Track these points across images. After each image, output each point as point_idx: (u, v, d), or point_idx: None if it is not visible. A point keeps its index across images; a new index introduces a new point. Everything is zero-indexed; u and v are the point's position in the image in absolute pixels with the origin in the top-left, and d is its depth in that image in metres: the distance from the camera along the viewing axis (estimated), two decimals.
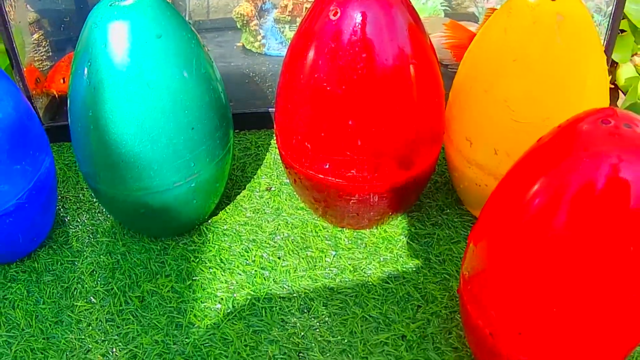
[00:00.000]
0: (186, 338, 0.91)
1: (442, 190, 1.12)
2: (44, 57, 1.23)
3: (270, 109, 1.25)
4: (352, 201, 0.95)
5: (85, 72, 0.87)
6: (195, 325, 0.93)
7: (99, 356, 0.89)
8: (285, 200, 1.12)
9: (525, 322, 0.67)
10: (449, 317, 0.91)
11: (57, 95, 1.27)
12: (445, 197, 1.10)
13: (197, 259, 1.02)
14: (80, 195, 1.14)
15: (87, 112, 0.89)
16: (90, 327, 0.93)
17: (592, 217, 0.58)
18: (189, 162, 0.94)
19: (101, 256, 1.03)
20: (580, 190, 0.58)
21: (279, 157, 1.18)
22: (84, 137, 0.93)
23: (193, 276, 1.00)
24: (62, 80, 1.24)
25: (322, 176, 0.94)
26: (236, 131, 1.03)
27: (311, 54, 0.87)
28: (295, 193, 1.11)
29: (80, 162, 0.99)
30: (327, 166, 0.90)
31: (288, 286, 0.96)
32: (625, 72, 1.24)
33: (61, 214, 1.11)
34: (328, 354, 0.87)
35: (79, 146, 0.96)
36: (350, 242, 1.03)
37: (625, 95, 1.23)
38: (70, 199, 1.14)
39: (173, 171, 0.94)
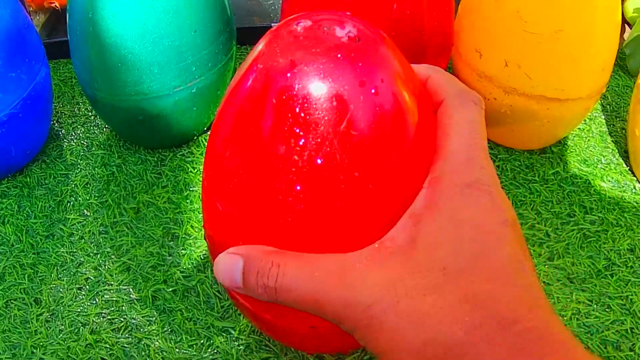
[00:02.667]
0: (182, 249, 0.79)
1: None
2: None
3: (273, 24, 1.11)
4: None
5: None
6: (192, 237, 0.81)
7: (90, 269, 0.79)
8: None
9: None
10: None
11: (59, 7, 1.14)
12: None
13: (195, 170, 0.90)
14: (76, 109, 1.01)
15: (86, 15, 0.77)
16: (83, 240, 0.81)
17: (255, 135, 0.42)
18: (190, 66, 0.82)
19: (96, 169, 0.91)
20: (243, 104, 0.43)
21: None
22: (83, 42, 0.81)
23: (190, 187, 0.88)
24: None
25: None
26: (237, 46, 0.93)
27: None
28: None
29: (78, 69, 0.86)
30: None
31: None
32: (632, 4, 1.13)
33: (55, 129, 0.98)
34: None
35: (77, 52, 0.84)
36: None
37: (631, 28, 1.13)
38: (65, 114, 1.01)
39: (174, 75, 0.81)
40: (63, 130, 0.97)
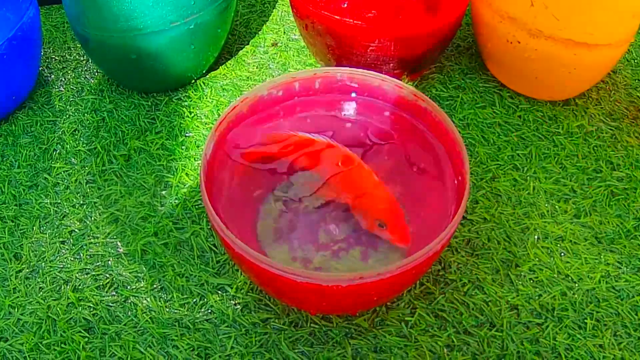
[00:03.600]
0: (175, 199, 0.68)
1: (465, 54, 0.87)
2: None
3: None
4: (370, 48, 0.73)
5: None
6: (187, 185, 0.69)
7: (75, 221, 0.69)
8: (293, 55, 0.86)
9: None
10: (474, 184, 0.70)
11: None
12: (468, 62, 0.86)
13: (192, 115, 0.78)
14: (67, 54, 0.89)
15: None
16: (68, 190, 0.70)
17: None
18: (188, 0, 0.71)
19: (85, 114, 0.79)
20: None
21: (286, 13, 0.94)
22: None
23: (186, 132, 0.76)
24: None
25: (338, 17, 0.70)
26: None
27: None
28: (304, 48, 0.87)
29: (67, 6, 0.74)
30: (345, 5, 0.69)
31: None
32: None
33: (45, 74, 0.86)
34: None
35: None
36: None
37: None
38: (56, 59, 0.89)
39: (170, 9, 0.70)
40: (52, 76, 0.86)
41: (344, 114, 0.64)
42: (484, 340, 0.57)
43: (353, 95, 0.63)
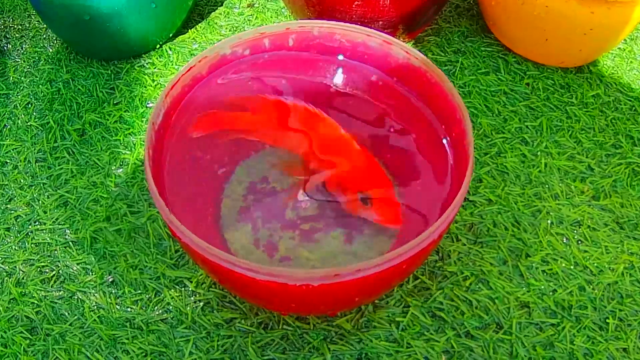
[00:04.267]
0: (132, 178, 0.58)
1: (466, 15, 0.77)
2: None
3: None
4: (355, 3, 0.62)
5: None
6: None
7: (22, 205, 0.59)
8: (271, 17, 0.76)
9: None
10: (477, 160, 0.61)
11: None
12: (469, 23, 0.76)
13: (156, 83, 0.68)
14: (27, 23, 0.79)
15: None
16: (16, 170, 0.61)
17: None
18: None
19: (40, 86, 0.69)
20: None
21: None
22: None
23: (148, 102, 0.66)
24: None
25: None
26: None
27: None
28: (283, 9, 0.77)
29: None
30: None
31: None
32: None
33: (1, 44, 0.77)
34: None
35: None
36: None
37: None
38: (14, 28, 0.78)
39: None
40: (9, 46, 0.76)
41: (323, 75, 0.53)
42: (490, 345, 0.49)
43: (333, 53, 0.53)
